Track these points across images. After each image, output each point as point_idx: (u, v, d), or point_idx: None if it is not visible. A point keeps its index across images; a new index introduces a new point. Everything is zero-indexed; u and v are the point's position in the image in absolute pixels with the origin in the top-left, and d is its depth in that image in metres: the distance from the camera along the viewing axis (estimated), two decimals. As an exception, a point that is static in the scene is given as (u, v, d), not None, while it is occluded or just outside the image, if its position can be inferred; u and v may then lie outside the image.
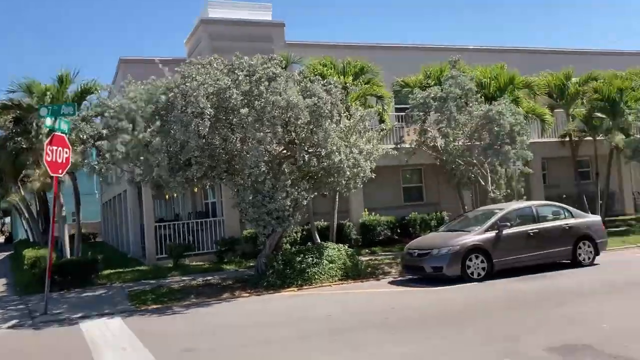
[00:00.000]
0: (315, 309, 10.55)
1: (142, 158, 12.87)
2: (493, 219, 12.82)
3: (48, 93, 14.58)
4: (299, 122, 12.88)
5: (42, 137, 13.02)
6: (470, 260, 12.19)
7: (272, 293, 12.55)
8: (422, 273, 12.74)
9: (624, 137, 20.68)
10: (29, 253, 16.71)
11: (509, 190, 16.82)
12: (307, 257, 13.67)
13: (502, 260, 12.44)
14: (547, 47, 26.48)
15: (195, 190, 21.86)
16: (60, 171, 11.84)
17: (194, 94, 12.06)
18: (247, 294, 12.56)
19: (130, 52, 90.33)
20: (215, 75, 12.54)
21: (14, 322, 10.93)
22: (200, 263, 17.45)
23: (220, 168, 13.40)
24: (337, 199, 17.27)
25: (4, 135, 15.58)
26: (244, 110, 12.31)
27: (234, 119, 12.70)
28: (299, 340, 8.19)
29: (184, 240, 18.33)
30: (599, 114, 20.72)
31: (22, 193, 23.85)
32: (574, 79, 21.39)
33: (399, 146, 17.33)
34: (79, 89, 15.10)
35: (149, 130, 12.34)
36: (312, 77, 13.95)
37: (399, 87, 19.35)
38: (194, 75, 12.40)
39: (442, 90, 16.29)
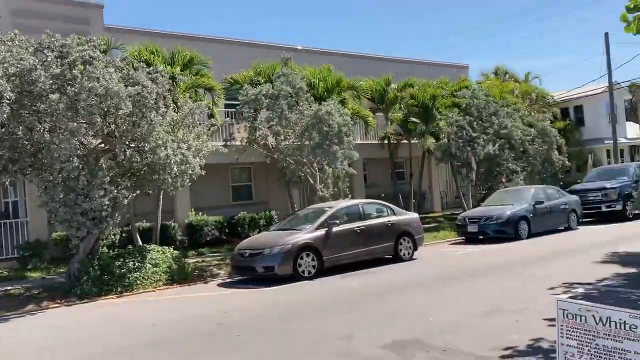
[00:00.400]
0: (138, 318, 9.58)
1: None
2: (323, 217, 12.93)
3: None
4: (119, 113, 11.72)
5: None
6: (302, 258, 12.13)
7: (86, 302, 11.24)
8: (253, 273, 12.38)
9: (434, 140, 22.60)
10: None
11: (336, 190, 17.25)
12: (127, 261, 12.53)
13: (331, 258, 12.60)
14: (370, 53, 27.91)
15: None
16: None
17: (-11, 74, 10.27)
18: (57, 305, 11.09)
19: None
20: (19, 53, 10.84)
21: None
22: (-2, 271, 15.13)
23: (23, 162, 11.65)
24: (161, 198, 16.20)
25: None
26: (54, 96, 10.82)
27: (42, 106, 11.11)
28: (115, 356, 7.27)
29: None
30: (414, 119, 22.32)
31: None
32: (393, 85, 22.79)
33: (228, 143, 16.78)
34: None
35: None
36: (136, 64, 12.81)
37: (228, 83, 18.79)
38: (-11, 52, 10.57)
39: (273, 87, 16.12)
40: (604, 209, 19.86)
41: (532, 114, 26.80)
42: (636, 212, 20.02)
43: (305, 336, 7.57)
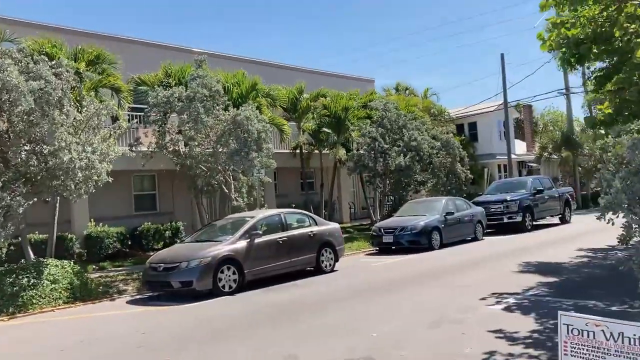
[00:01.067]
0: (33, 345, 8.34)
1: None
2: (245, 228, 12.20)
3: None
4: (16, 110, 10.36)
5: None
6: (222, 272, 11.32)
7: (-31, 326, 9.69)
8: (168, 289, 11.37)
9: (345, 151, 22.59)
10: None
11: (251, 199, 16.56)
12: (21, 277, 11.10)
13: (253, 270, 11.90)
14: (282, 62, 27.51)
15: None
16: None
17: None
18: None
19: None
20: None
21: None
22: None
23: None
24: (57, 207, 14.61)
25: None
26: None
27: None
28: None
29: None
30: (326, 129, 22.18)
31: None
32: (305, 95, 22.50)
33: (134, 149, 15.52)
34: None
35: None
36: (37, 57, 11.43)
37: (135, 83, 17.51)
38: None
39: (187, 89, 15.18)
40: (505, 220, 20.76)
41: (436, 127, 27.71)
42: (534, 223, 21.19)
43: (241, 354, 6.89)
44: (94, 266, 15.45)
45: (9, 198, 10.64)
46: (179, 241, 18.98)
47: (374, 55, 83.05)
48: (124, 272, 14.67)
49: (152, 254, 18.08)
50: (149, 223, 18.44)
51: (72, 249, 15.94)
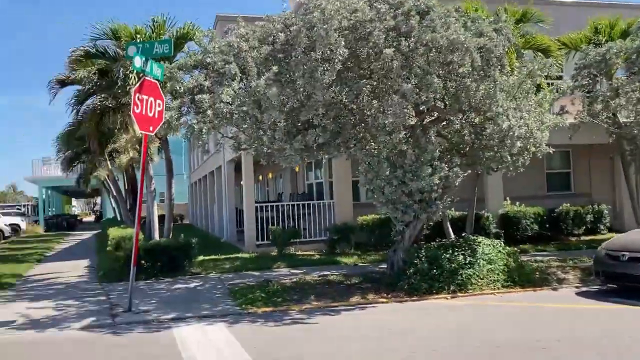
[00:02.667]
0: (505, 330, 7.23)
1: (250, 118, 10.04)
2: None
3: (138, 37, 12.02)
4: (460, 70, 9.55)
5: (131, 88, 10.43)
6: None
7: (416, 300, 9.35)
8: (633, 284, 9.03)
9: None
10: (113, 232, 14.45)
11: None
12: (456, 254, 10.35)
13: None
14: None
15: (297, 168, 19.09)
16: (150, 128, 9.17)
17: (324, 26, 8.93)
18: (384, 299, 9.41)
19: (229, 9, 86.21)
20: (352, 4, 9.37)
21: (90, 320, 8.38)
22: (308, 253, 14.50)
23: (347, 133, 10.28)
24: (477, 183, 13.79)
25: (87, 89, 13.18)
26: (388, 51, 9.08)
27: (373, 65, 9.54)
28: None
29: (285, 225, 15.46)
30: None
31: (110, 167, 21.97)
32: None
33: (562, 118, 13.44)
34: (175, 35, 12.42)
35: (262, 78, 9.40)
36: (473, 15, 10.52)
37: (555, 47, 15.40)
38: (323, 5, 9.26)
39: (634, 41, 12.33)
40: None
41: None
42: None
43: None
44: (515, 248, 14.11)
45: (447, 168, 10.00)
46: (602, 227, 16.34)
47: None
48: (554, 257, 12.88)
49: (573, 239, 15.95)
50: (568, 204, 16.19)
51: (489, 228, 14.97)
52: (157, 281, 11.39)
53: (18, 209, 46.67)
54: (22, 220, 35.86)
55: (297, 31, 9.26)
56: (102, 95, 13.79)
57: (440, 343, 6.78)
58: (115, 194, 29.03)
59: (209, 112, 10.24)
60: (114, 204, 37.17)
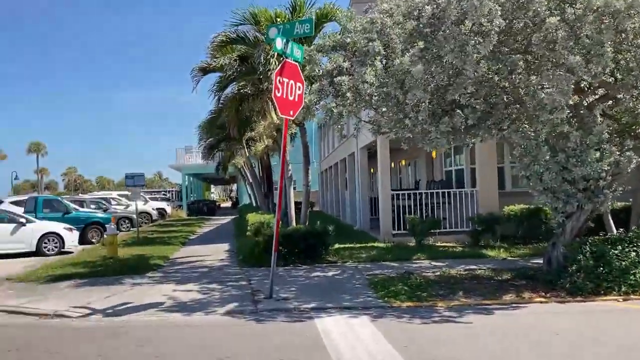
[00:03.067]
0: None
1: (392, 99, 9.46)
2: None
3: (278, 20, 11.91)
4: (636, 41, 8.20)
5: (271, 73, 10.30)
6: None
7: (580, 301, 8.24)
8: None
9: None
10: (252, 218, 14.69)
11: None
12: (627, 250, 8.99)
13: None
14: None
15: (434, 154, 18.20)
16: (291, 112, 8.92)
17: (479, -4, 8.06)
18: (542, 299, 8.39)
19: None
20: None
21: (232, 305, 8.36)
22: (449, 244, 13.67)
23: (500, 114, 9.31)
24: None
25: (227, 76, 13.41)
26: (552, 20, 7.99)
27: (532, 37, 8.48)
28: None
29: (423, 214, 14.71)
30: None
31: (247, 155, 22.57)
32: None
33: None
34: (315, 16, 12.14)
35: (407, 55, 8.75)
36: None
37: None
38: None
39: None
40: None
41: None
42: None
43: None
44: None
45: (617, 153, 8.69)
46: None
47: None
48: None
49: None
50: None
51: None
52: (295, 268, 11.27)
53: (164, 194, 50.37)
54: (168, 205, 38.51)
55: (447, 2, 8.47)
56: (241, 83, 13.96)
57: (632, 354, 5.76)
58: (251, 180, 30.04)
59: (349, 94, 9.86)
60: (249, 191, 38.66)
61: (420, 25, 9.04)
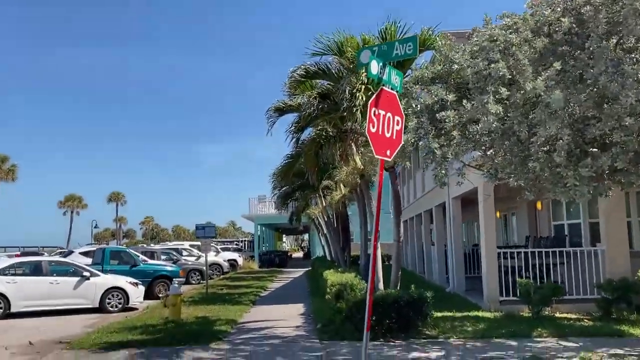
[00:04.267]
0: None
1: (512, 136, 7.56)
2: None
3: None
4: None
5: (357, 109, 8.64)
6: None
7: None
8: None
9: None
10: (332, 277, 12.81)
11: None
12: None
13: None
14: None
15: (540, 205, 15.80)
16: (387, 152, 7.12)
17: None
18: None
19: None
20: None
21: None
22: (572, 316, 11.18)
23: None
24: None
25: (307, 114, 11.82)
26: None
27: None
28: None
29: (531, 277, 12.32)
30: None
31: (324, 204, 20.92)
32: None
33: None
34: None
35: (539, 78, 6.83)
36: None
37: None
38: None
39: None
40: None
41: None
42: None
43: None
44: None
45: None
46: None
47: None
48: None
49: None
50: None
51: None
52: (386, 344, 9.22)
53: (236, 244, 49.60)
54: (239, 256, 37.38)
55: (594, 12, 6.54)
56: (320, 125, 12.40)
57: None
58: (325, 232, 28.37)
59: (454, 132, 8.05)
60: (323, 242, 36.96)
61: (553, 43, 7.15)
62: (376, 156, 7.02)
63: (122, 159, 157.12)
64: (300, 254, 72.32)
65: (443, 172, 8.43)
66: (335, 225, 24.77)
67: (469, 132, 8.08)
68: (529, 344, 9.02)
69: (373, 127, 6.89)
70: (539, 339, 9.34)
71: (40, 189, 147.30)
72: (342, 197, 22.40)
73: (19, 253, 32.97)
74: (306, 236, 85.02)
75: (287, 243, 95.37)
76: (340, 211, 23.91)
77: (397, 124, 7.24)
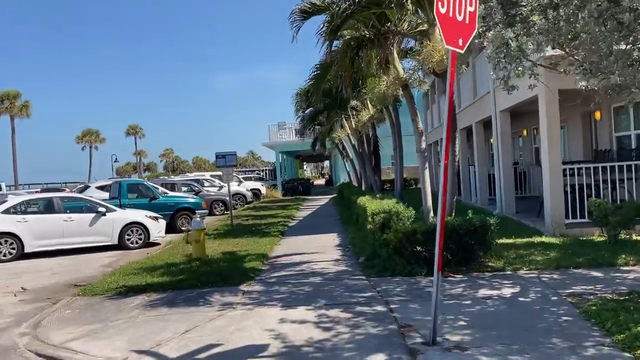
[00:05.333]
0: None
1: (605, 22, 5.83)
2: None
3: None
4: None
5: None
6: None
7: None
8: None
9: None
10: (370, 204, 11.39)
11: None
12: None
13: None
14: None
15: (598, 115, 14.02)
16: (460, 41, 5.43)
17: None
18: None
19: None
20: None
21: (380, 358, 5.14)
22: (654, 239, 9.71)
23: None
24: None
25: (341, 10, 9.78)
26: None
27: None
28: None
29: (601, 195, 10.80)
30: None
31: (353, 126, 19.28)
32: None
33: None
34: None
35: None
36: None
37: None
38: None
39: None
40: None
41: None
42: None
43: None
44: None
45: None
46: None
47: None
48: None
49: None
50: None
51: None
52: (446, 279, 7.86)
53: (258, 173, 48.57)
54: (262, 185, 36.36)
55: None
56: (355, 27, 10.51)
57: None
58: (352, 156, 26.86)
59: (535, 18, 6.38)
60: (348, 168, 35.53)
61: None
62: (446, 46, 5.35)
63: (137, 93, 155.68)
64: (322, 181, 71.41)
65: (520, 69, 6.75)
66: (367, 147, 23.17)
67: (547, 19, 6.38)
68: (616, 274, 7.60)
69: (442, 6, 5.20)
70: (626, 268, 7.92)
71: (57, 125, 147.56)
72: (370, 118, 20.73)
73: (39, 190, 32.25)
74: (326, 163, 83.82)
75: (308, 170, 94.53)
76: (370, 133, 22.26)
77: (470, 4, 5.53)
